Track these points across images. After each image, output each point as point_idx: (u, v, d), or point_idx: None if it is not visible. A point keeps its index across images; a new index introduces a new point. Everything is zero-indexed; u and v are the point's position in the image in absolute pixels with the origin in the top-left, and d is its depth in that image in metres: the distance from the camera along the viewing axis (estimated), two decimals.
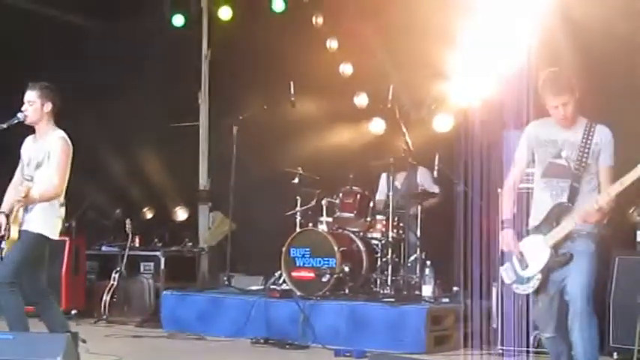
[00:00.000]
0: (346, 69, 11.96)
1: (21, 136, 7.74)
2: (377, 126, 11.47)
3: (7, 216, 7.41)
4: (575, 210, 6.15)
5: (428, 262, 9.83)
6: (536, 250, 6.26)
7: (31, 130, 7.66)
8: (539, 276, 6.25)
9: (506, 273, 6.48)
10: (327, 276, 9.80)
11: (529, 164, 6.54)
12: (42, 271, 7.55)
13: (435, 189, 10.51)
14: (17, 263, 7.26)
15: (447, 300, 9.69)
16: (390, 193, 10.19)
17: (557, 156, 6.32)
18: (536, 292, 6.33)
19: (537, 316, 6.51)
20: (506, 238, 6.43)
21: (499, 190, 8.21)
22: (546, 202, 6.31)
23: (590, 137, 6.23)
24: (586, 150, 6.22)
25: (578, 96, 6.24)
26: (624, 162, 6.07)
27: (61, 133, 7.53)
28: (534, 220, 6.38)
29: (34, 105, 7.52)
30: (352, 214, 10.33)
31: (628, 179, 5.89)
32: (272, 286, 10.43)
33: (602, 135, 6.25)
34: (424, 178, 10.63)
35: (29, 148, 7.62)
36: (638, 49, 8.99)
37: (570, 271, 6.16)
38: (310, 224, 10.56)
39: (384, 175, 10.85)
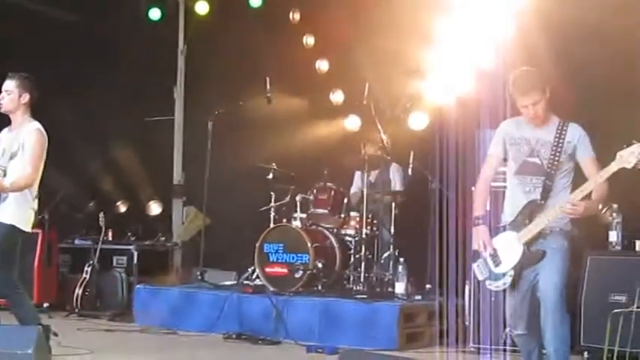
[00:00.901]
0: (322, 65, 11.96)
1: None
2: (352, 123, 11.48)
3: None
4: (548, 207, 6.18)
5: (401, 260, 9.86)
6: (509, 247, 6.29)
7: (6, 122, 7.62)
8: (512, 272, 6.28)
9: (479, 269, 6.50)
10: (300, 272, 9.82)
11: (502, 161, 6.57)
12: (13, 264, 7.49)
13: (399, 187, 10.57)
14: None
15: (419, 297, 9.73)
16: (365, 190, 10.20)
17: (531, 154, 6.35)
18: (509, 288, 6.36)
19: (509, 314, 6.54)
20: (479, 235, 6.45)
21: (473, 188, 8.26)
22: (519, 199, 6.33)
23: (562, 136, 6.26)
24: (559, 149, 6.25)
25: (549, 95, 6.26)
26: (602, 160, 6.11)
27: (37, 125, 7.50)
28: (508, 217, 6.41)
29: (11, 94, 7.50)
30: (326, 211, 10.35)
31: (601, 176, 5.95)
32: (245, 282, 10.45)
33: (575, 132, 6.28)
34: (395, 176, 10.67)
35: (4, 139, 7.57)
36: (616, 45, 9.04)
37: (542, 268, 6.19)
38: (284, 220, 10.56)
39: (358, 172, 10.86)
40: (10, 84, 7.55)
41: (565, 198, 6.14)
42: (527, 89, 6.24)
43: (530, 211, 6.26)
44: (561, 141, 6.25)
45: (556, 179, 6.26)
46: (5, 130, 7.65)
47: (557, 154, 6.24)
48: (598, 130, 6.56)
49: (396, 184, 10.66)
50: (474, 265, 6.58)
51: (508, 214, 6.43)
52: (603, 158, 6.14)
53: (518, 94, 6.29)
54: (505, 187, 6.61)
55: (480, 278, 6.53)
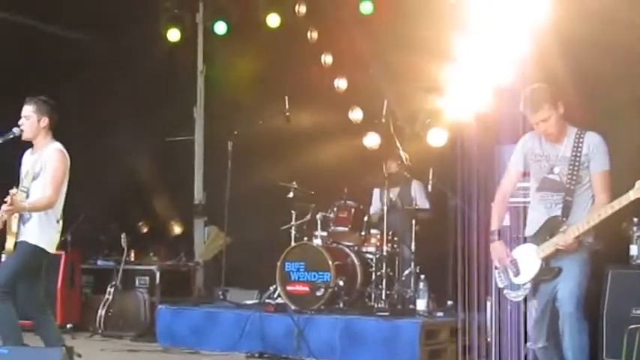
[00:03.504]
0: (341, 84, 11.96)
1: (18, 150, 7.75)
2: (371, 140, 11.46)
3: (4, 227, 7.41)
4: (568, 224, 6.18)
5: (422, 276, 9.86)
6: (528, 260, 6.32)
7: (29, 142, 7.66)
8: (529, 285, 6.30)
9: (499, 277, 6.55)
10: (322, 290, 9.82)
11: (521, 175, 6.58)
12: (39, 284, 7.54)
13: (426, 204, 10.55)
14: (12, 273, 7.26)
15: (441, 314, 9.72)
16: (385, 208, 10.21)
17: (550, 171, 6.36)
18: (528, 300, 6.38)
19: (530, 327, 6.55)
20: (495, 252, 6.47)
21: (492, 204, 8.26)
22: (541, 215, 6.36)
23: (579, 149, 6.26)
24: (576, 163, 6.26)
25: (562, 110, 6.27)
26: (621, 173, 6.11)
27: (58, 146, 7.54)
28: (529, 230, 6.43)
29: (30, 119, 7.53)
30: (347, 228, 10.37)
31: (619, 203, 5.93)
32: (267, 300, 10.45)
33: (591, 142, 6.28)
34: (417, 193, 10.65)
35: (27, 161, 7.62)
36: (634, 61, 9.03)
37: (561, 279, 6.19)
38: (305, 238, 10.58)
39: (377, 190, 10.87)
40: (28, 109, 7.57)
41: (583, 216, 6.13)
42: (536, 106, 6.26)
43: (552, 227, 6.28)
44: (579, 155, 6.26)
45: (576, 194, 6.27)
46: (28, 152, 7.69)
47: (576, 169, 6.25)
48: (614, 144, 6.55)
49: (421, 202, 10.62)
50: (496, 273, 6.60)
51: (530, 228, 6.45)
52: (621, 172, 6.14)
53: (529, 112, 6.31)
54: (524, 202, 6.63)
55: (500, 286, 6.56)
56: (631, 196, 5.87)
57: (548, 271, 6.23)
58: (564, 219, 6.25)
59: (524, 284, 6.33)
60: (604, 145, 6.30)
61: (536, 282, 6.28)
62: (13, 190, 7.30)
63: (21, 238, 7.35)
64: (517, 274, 6.38)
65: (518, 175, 6.60)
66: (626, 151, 7.00)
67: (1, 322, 7.23)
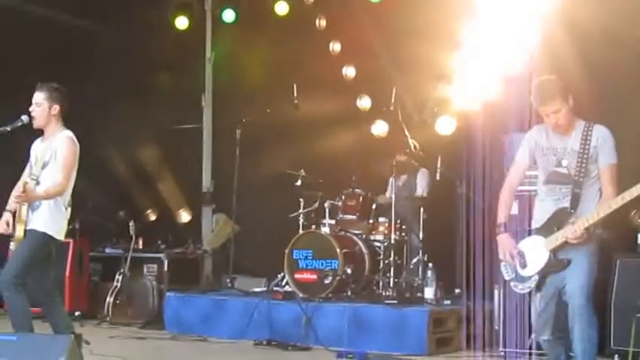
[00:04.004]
0: (349, 71, 11.97)
1: (27, 138, 7.76)
2: (380, 128, 11.46)
3: (14, 215, 7.43)
4: (576, 216, 6.17)
5: (430, 264, 9.86)
6: (536, 252, 6.30)
7: (38, 130, 7.66)
8: (536, 277, 6.29)
9: (505, 269, 6.53)
10: (330, 278, 9.84)
11: (527, 168, 6.56)
12: (48, 272, 7.57)
13: (423, 192, 10.54)
14: (23, 262, 7.26)
15: (448, 302, 9.72)
16: (393, 195, 10.22)
17: (558, 164, 6.34)
18: (535, 293, 6.37)
19: (536, 318, 6.54)
20: (503, 244, 6.46)
21: (500, 196, 8.26)
22: (549, 207, 6.34)
23: (588, 142, 6.23)
24: (585, 156, 6.23)
25: (572, 102, 6.25)
26: (628, 166, 6.09)
27: (69, 133, 7.53)
28: (536, 222, 6.41)
29: (41, 106, 7.52)
30: (355, 217, 10.38)
31: (630, 194, 5.91)
32: (275, 288, 10.48)
33: (600, 135, 6.25)
34: (419, 181, 10.65)
35: (37, 148, 7.60)
36: None
37: (570, 271, 6.18)
38: (313, 226, 10.60)
39: (392, 179, 10.83)
40: (39, 96, 7.54)
41: (591, 208, 6.12)
42: (547, 98, 6.23)
43: (560, 218, 6.25)
44: (587, 148, 6.23)
45: (585, 187, 6.24)
46: (38, 140, 7.68)
47: (584, 161, 6.22)
48: (623, 134, 6.53)
49: (420, 190, 10.62)
50: (502, 265, 6.60)
51: (537, 220, 6.43)
52: (629, 162, 6.12)
53: (539, 103, 6.28)
54: (531, 190, 6.61)
55: (506, 278, 6.55)
56: None
57: (557, 263, 6.22)
58: (572, 210, 6.23)
59: (531, 276, 6.32)
60: (612, 138, 6.27)
61: (545, 274, 6.26)
62: (26, 180, 7.32)
63: (30, 226, 7.35)
64: (524, 266, 6.37)
65: (524, 167, 6.58)
66: (633, 143, 6.98)
67: (14, 313, 7.25)
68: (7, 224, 7.47)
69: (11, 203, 7.52)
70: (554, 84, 6.28)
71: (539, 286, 6.30)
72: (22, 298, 7.22)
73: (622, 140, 6.37)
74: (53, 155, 7.43)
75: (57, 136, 7.52)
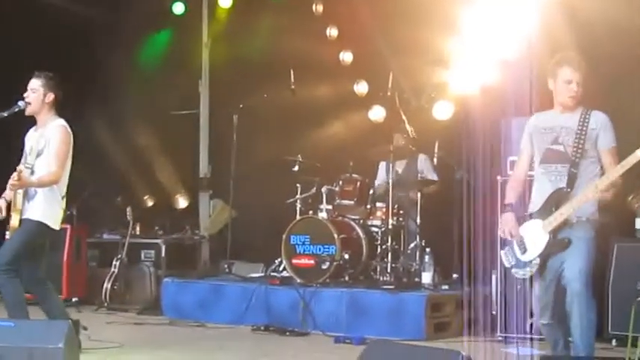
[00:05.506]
0: (346, 57, 11.97)
1: (23, 127, 7.76)
2: (377, 113, 11.45)
3: (9, 204, 7.44)
4: (574, 196, 6.17)
5: (427, 250, 9.85)
6: (535, 235, 6.29)
7: (33, 119, 7.67)
8: (538, 260, 6.28)
9: (505, 256, 6.52)
10: (327, 263, 9.83)
11: (532, 155, 6.55)
12: (41, 260, 7.58)
13: (434, 176, 10.52)
14: (17, 249, 7.28)
15: (446, 287, 9.72)
16: (390, 181, 10.20)
17: (555, 142, 6.34)
18: (535, 277, 6.36)
19: (535, 303, 6.54)
20: (505, 222, 6.45)
21: (499, 177, 8.26)
22: (546, 188, 6.32)
23: (586, 123, 6.24)
24: (582, 135, 6.23)
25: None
26: (629, 152, 6.08)
27: (62, 122, 7.56)
28: (534, 206, 6.40)
29: (36, 93, 7.55)
30: (352, 202, 10.35)
31: (628, 163, 5.89)
32: (272, 274, 10.48)
33: (599, 119, 6.27)
34: (424, 166, 10.62)
35: (31, 138, 7.63)
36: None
37: (568, 256, 6.17)
38: (310, 212, 10.58)
39: (382, 164, 10.83)
40: (36, 83, 7.60)
41: (592, 185, 6.11)
42: (577, 65, 6.26)
43: (557, 199, 6.24)
44: (585, 128, 6.23)
45: (582, 167, 6.23)
46: (32, 129, 7.70)
47: (582, 141, 6.22)
48: (620, 122, 6.51)
49: (429, 174, 10.58)
50: (502, 252, 6.59)
51: (535, 203, 6.42)
52: (628, 151, 6.10)
53: (568, 68, 6.28)
54: (532, 176, 6.60)
55: (507, 265, 6.54)
56: (638, 154, 5.83)
57: (557, 243, 6.20)
58: (569, 189, 6.22)
59: (532, 260, 6.31)
60: (610, 123, 6.29)
61: (545, 256, 6.25)
62: (21, 167, 7.31)
63: (26, 215, 7.37)
64: (524, 251, 6.36)
65: (529, 156, 6.56)
66: (632, 131, 6.96)
67: (9, 299, 7.28)
68: (1, 210, 7.49)
69: (7, 192, 7.53)
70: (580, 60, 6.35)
71: (540, 271, 6.29)
72: (15, 285, 7.26)
73: (621, 129, 6.37)
74: (47, 144, 7.46)
75: (50, 124, 7.56)
